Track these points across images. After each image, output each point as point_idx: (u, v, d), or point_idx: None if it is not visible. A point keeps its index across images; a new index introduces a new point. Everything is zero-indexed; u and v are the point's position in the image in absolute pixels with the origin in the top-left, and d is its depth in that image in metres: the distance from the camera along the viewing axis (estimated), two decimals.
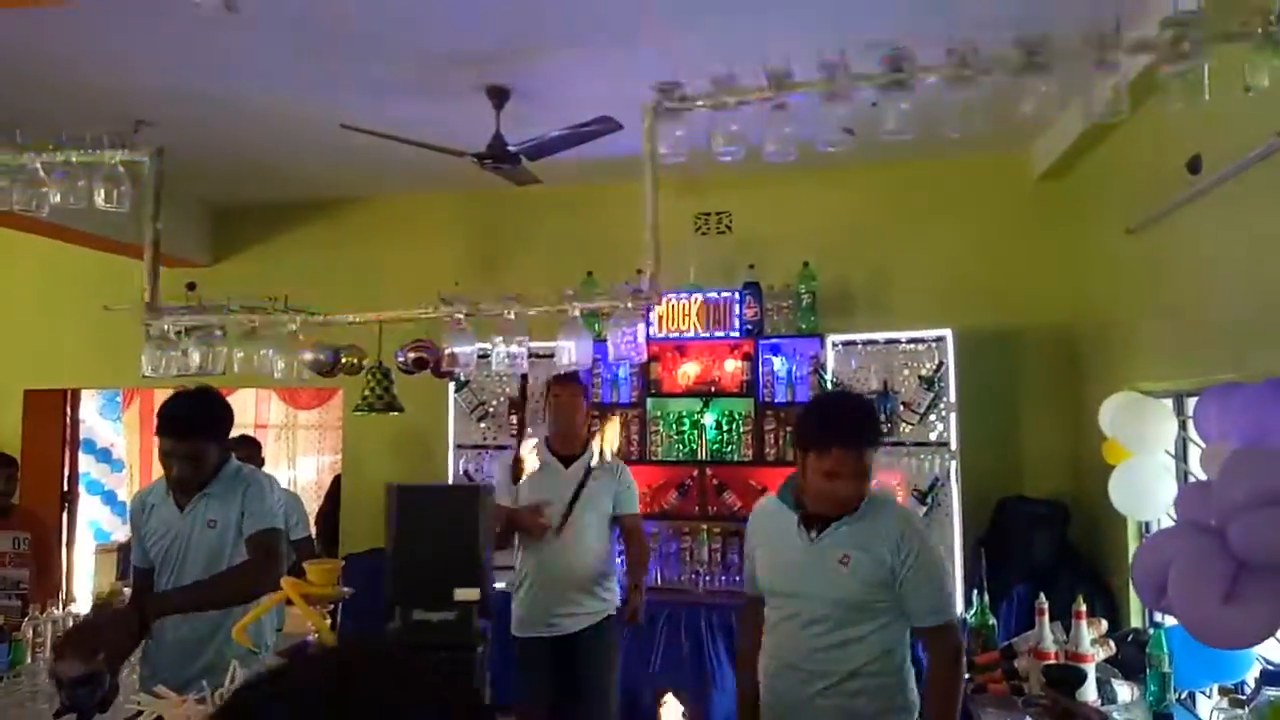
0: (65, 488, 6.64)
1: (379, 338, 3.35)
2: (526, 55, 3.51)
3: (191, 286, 5.76)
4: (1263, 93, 1.78)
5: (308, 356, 2.26)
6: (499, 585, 4.39)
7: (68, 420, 6.52)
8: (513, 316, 1.93)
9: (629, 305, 1.87)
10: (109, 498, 7.96)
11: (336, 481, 6.20)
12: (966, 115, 1.60)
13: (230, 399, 7.80)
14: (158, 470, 8.98)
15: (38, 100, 3.90)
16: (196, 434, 2.44)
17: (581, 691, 3.45)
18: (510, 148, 3.73)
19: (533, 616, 3.45)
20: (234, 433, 2.93)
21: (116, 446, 8.05)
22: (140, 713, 1.69)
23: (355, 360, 2.53)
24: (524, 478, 3.54)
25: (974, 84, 1.59)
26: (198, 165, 4.87)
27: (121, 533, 7.69)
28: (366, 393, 3.61)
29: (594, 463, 3.56)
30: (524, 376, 3.75)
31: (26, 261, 5.88)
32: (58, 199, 2.04)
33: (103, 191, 2.01)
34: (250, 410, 8.56)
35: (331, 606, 1.69)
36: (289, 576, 1.63)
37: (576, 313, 1.94)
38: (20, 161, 1.99)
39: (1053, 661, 2.68)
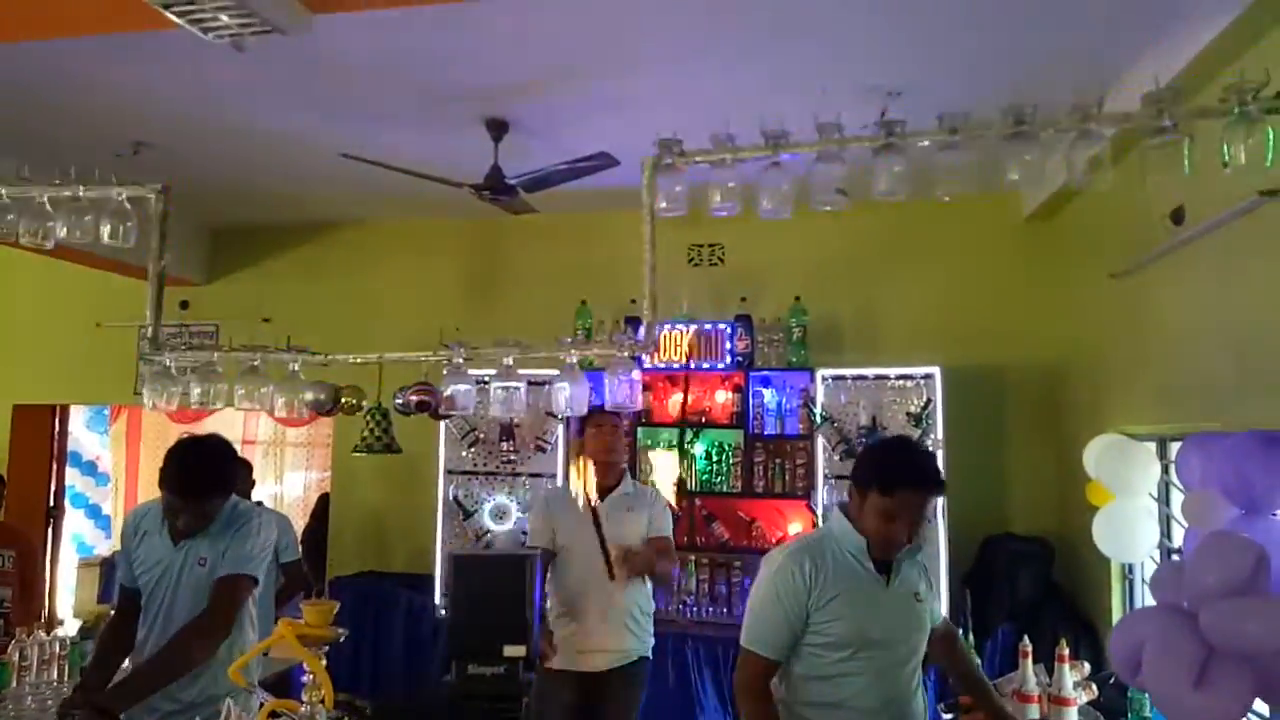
0: (50, 503, 6.59)
1: (379, 379, 3.36)
2: (526, 90, 3.56)
3: (185, 305, 5.81)
4: (1239, 162, 1.85)
5: (309, 396, 2.27)
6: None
7: (55, 436, 6.48)
8: (511, 362, 1.97)
9: (625, 355, 1.91)
10: (93, 511, 7.91)
11: (322, 499, 6.20)
12: (954, 177, 1.65)
13: (217, 415, 7.77)
14: (144, 484, 8.88)
15: (38, 119, 3.92)
16: (205, 495, 2.40)
17: None
18: (508, 180, 3.77)
19: (565, 650, 3.26)
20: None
21: (102, 460, 8.02)
22: None
23: (354, 400, 2.55)
24: (551, 517, 3.41)
25: (962, 149, 1.64)
26: (194, 186, 4.90)
27: (104, 547, 7.64)
28: (365, 434, 3.63)
29: (628, 491, 3.47)
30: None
31: (18, 276, 5.88)
32: (64, 233, 2.06)
33: (109, 226, 2.04)
34: (238, 426, 8.52)
35: (326, 648, 1.71)
36: (282, 612, 1.65)
37: (574, 359, 1.97)
38: (28, 195, 2.02)
39: (1037, 707, 2.71)
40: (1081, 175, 1.64)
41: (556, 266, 5.20)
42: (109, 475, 8.18)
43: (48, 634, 3.13)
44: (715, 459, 4.69)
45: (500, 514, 4.69)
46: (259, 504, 3.31)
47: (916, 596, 2.29)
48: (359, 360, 2.10)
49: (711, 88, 3.47)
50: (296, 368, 2.13)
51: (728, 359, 4.65)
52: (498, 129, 3.83)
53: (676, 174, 1.86)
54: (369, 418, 3.50)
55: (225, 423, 8.10)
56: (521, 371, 2.11)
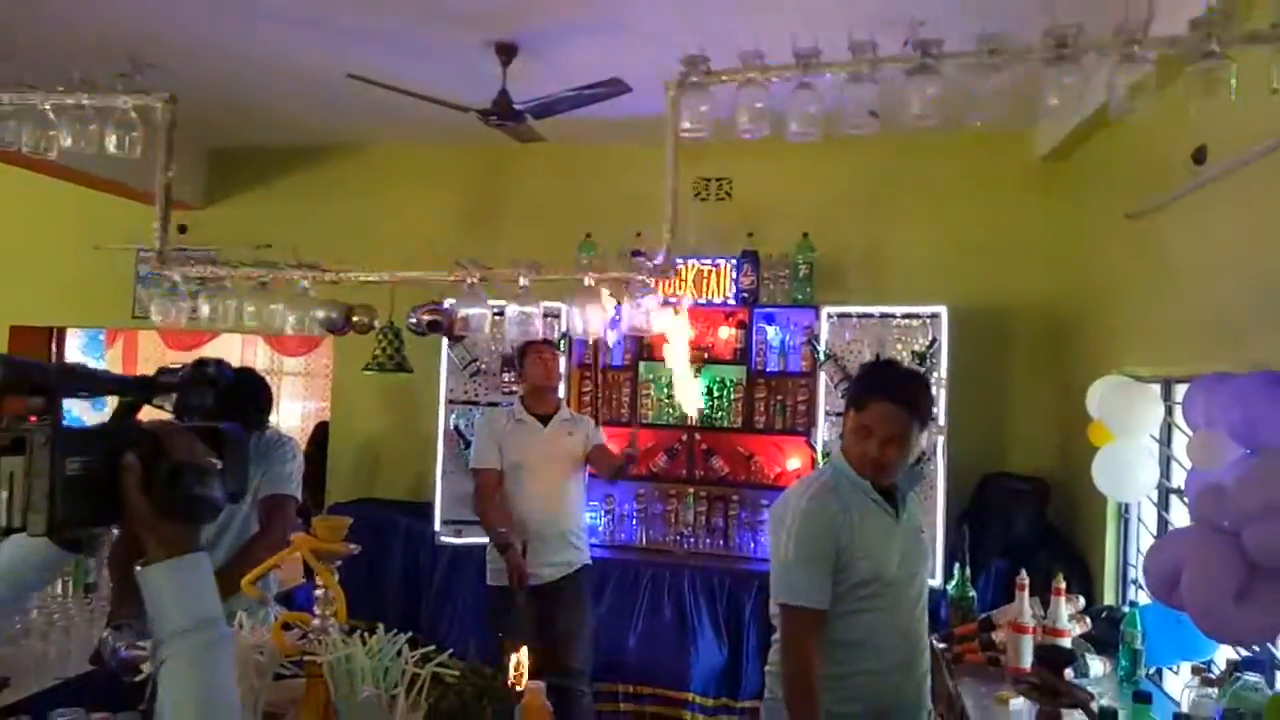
0: None
1: (391, 298, 3.35)
2: (536, 12, 3.46)
3: (183, 229, 5.72)
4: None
5: (320, 314, 2.25)
6: (484, 540, 4.49)
7: (53, 359, 6.45)
8: (527, 283, 1.94)
9: (645, 279, 1.88)
10: None
11: (320, 428, 6.21)
12: (990, 102, 1.60)
13: (214, 342, 7.74)
14: (143, 409, 8.97)
15: (35, 33, 3.81)
16: (254, 430, 2.43)
17: (557, 638, 3.60)
18: (516, 106, 3.69)
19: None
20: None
21: None
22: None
23: (366, 320, 2.53)
24: (501, 439, 3.72)
25: (1000, 72, 1.60)
26: (194, 106, 4.67)
27: None
28: (378, 352, 3.63)
29: (566, 416, 3.84)
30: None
31: (13, 196, 5.78)
32: (68, 142, 2.01)
33: (114, 137, 1.99)
34: (235, 355, 8.50)
35: (339, 562, 1.72)
36: (300, 534, 1.66)
37: (591, 281, 1.95)
38: (30, 102, 1.96)
39: (1031, 637, 2.76)
40: (1122, 102, 1.60)
41: (561, 198, 5.12)
42: (105, 400, 8.17)
43: None
44: (716, 395, 4.70)
45: None
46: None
47: (920, 531, 2.32)
48: (371, 279, 2.08)
49: (726, 16, 3.37)
50: (307, 284, 2.10)
51: (733, 294, 4.63)
52: (507, 53, 3.74)
53: (701, 94, 1.81)
54: (381, 337, 3.50)
55: (222, 349, 8.09)
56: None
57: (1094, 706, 1.74)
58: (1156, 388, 3.22)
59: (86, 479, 1.03)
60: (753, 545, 4.60)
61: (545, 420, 3.77)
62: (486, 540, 4.55)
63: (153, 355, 8.31)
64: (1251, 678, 1.52)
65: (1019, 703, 2.66)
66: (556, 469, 3.71)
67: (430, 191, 5.36)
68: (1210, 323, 2.84)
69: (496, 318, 2.15)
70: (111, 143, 1.96)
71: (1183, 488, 2.86)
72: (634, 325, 1.98)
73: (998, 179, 4.60)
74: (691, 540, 4.67)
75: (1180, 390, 3.15)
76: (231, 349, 8.40)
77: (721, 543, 4.65)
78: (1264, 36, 1.51)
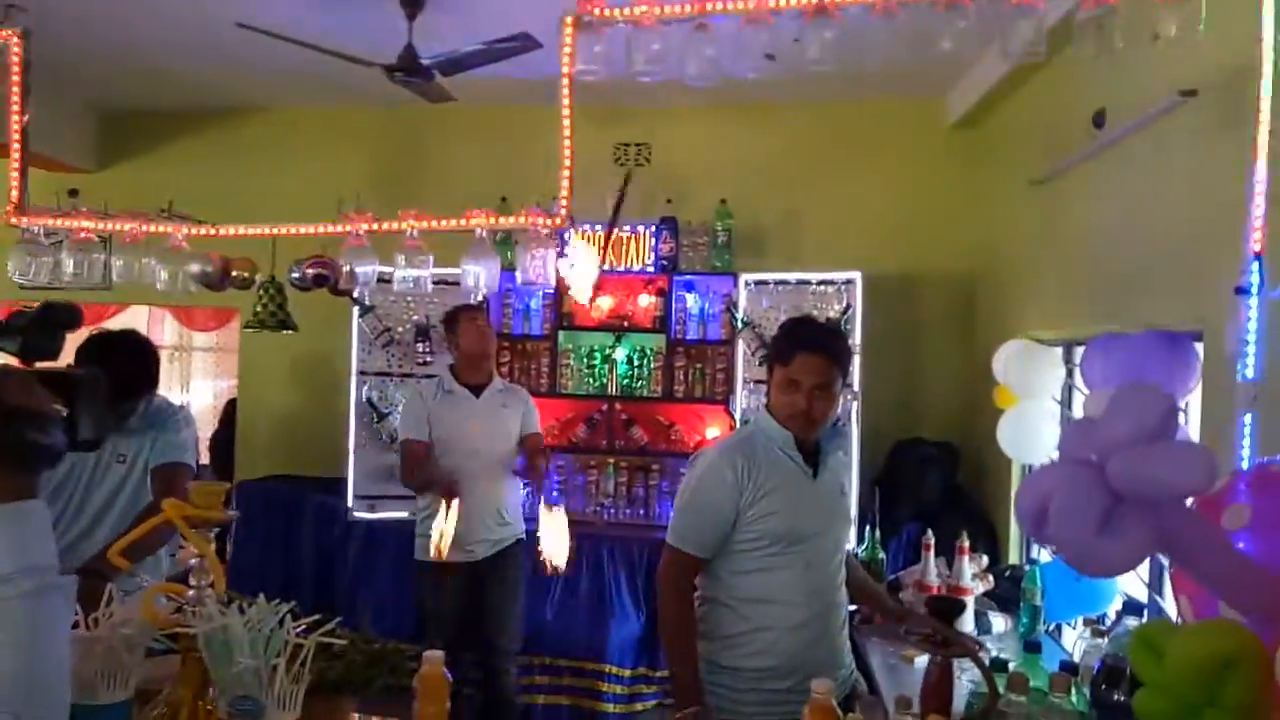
0: None
1: (273, 252, 3.20)
2: None
3: (74, 193, 5.39)
4: (1167, 48, 1.83)
5: (194, 268, 2.11)
6: (402, 514, 4.38)
7: None
8: (415, 235, 1.85)
9: (541, 227, 1.81)
10: None
11: (231, 405, 5.99)
12: (887, 47, 1.59)
13: (118, 317, 7.39)
14: None
15: None
16: (138, 395, 2.34)
17: (486, 616, 3.50)
18: (423, 60, 3.56)
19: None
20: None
21: None
22: None
23: (247, 275, 2.40)
24: (430, 411, 3.53)
25: (895, 16, 1.57)
26: (81, 62, 4.50)
27: None
28: (259, 309, 3.46)
29: (500, 388, 3.65)
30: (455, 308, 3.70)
31: None
32: None
33: None
34: (141, 329, 8.11)
35: (217, 530, 1.63)
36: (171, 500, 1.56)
37: (484, 233, 1.87)
38: None
39: (934, 594, 2.81)
40: (1016, 48, 1.60)
41: (475, 161, 4.99)
42: None
43: None
44: (636, 364, 4.66)
45: None
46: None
47: (842, 490, 2.33)
48: (250, 232, 1.96)
49: None
50: (182, 238, 1.97)
51: (652, 262, 4.58)
52: (412, 5, 3.59)
53: (596, 34, 1.75)
54: (262, 293, 3.34)
55: (127, 324, 7.73)
56: (436, 269, 2.02)
57: (983, 657, 1.76)
58: (1058, 351, 3.30)
59: None
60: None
61: (478, 391, 3.58)
62: (404, 514, 4.46)
63: None
64: (1131, 621, 1.56)
65: (923, 659, 2.70)
66: (488, 442, 3.51)
67: (338, 155, 5.17)
68: (1106, 285, 2.91)
69: (385, 282, 2.05)
70: None
71: None
72: (531, 279, 1.92)
73: (911, 147, 4.64)
74: (612, 511, 4.63)
75: (1080, 353, 3.24)
76: (138, 324, 8.02)
77: (642, 512, 4.63)
78: None
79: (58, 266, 2.01)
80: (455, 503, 3.17)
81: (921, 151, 4.63)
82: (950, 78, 4.33)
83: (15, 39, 1.85)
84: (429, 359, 4.63)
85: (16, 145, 1.90)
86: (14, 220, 1.94)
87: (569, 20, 1.75)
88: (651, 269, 4.59)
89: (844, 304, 4.22)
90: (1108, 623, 2.51)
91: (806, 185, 4.72)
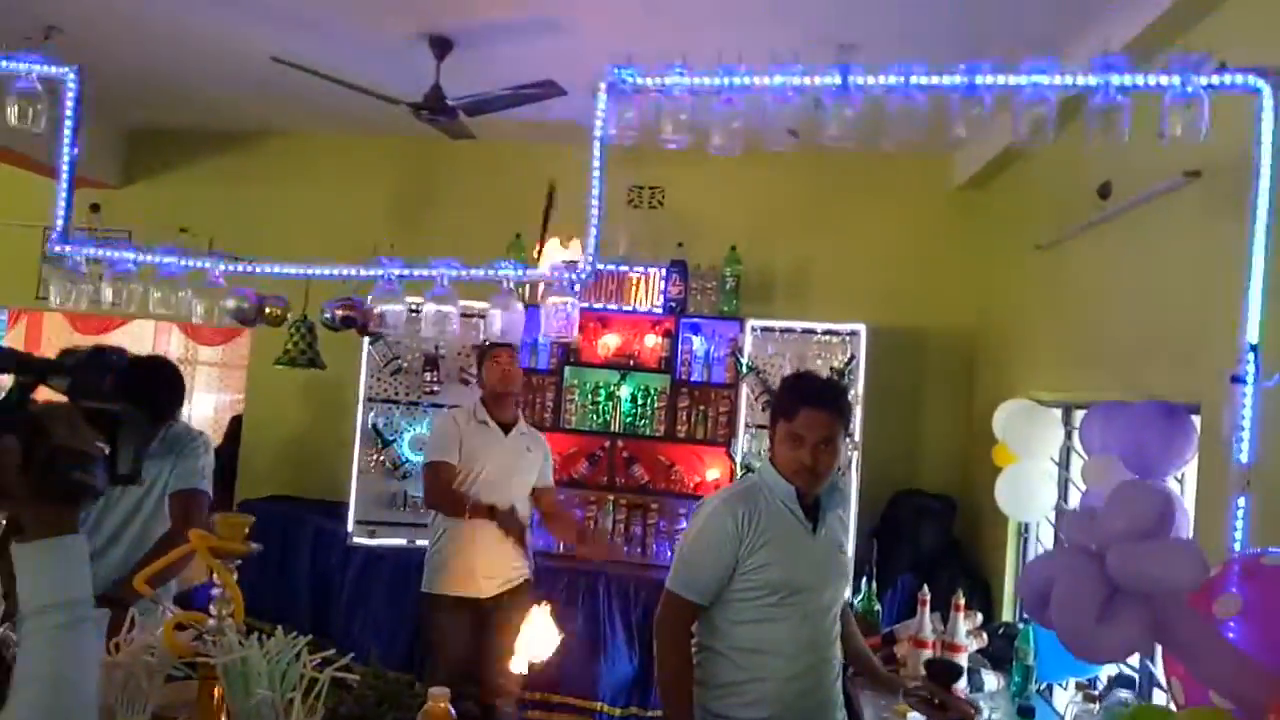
0: None
1: (306, 291, 3.27)
2: (471, 7, 3.43)
3: (95, 208, 5.49)
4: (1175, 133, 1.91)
5: (230, 304, 2.18)
6: (400, 541, 4.41)
7: None
8: (446, 283, 1.92)
9: (566, 282, 1.88)
10: None
11: (235, 422, 6.03)
12: (902, 127, 1.67)
13: (126, 327, 7.43)
14: (47, 394, 8.65)
15: None
16: (163, 420, 2.39)
17: (489, 655, 3.41)
18: (449, 101, 3.65)
19: (456, 577, 3.42)
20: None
21: None
22: None
23: (279, 312, 2.47)
24: (463, 438, 3.50)
25: (913, 99, 1.65)
26: (111, 81, 4.60)
27: None
28: (289, 347, 3.53)
29: (524, 430, 3.64)
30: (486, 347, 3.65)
31: None
32: None
33: (16, 108, 1.89)
34: (148, 342, 8.18)
35: (239, 562, 1.67)
36: (198, 530, 1.60)
37: (511, 284, 1.94)
38: None
39: (930, 652, 2.84)
40: (1025, 131, 1.68)
41: (490, 196, 5.09)
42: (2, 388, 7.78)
43: None
44: (640, 402, 4.71)
45: (420, 444, 4.63)
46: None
47: (840, 548, 2.38)
48: (288, 272, 2.02)
49: (661, 26, 3.42)
50: (219, 274, 2.03)
51: (660, 304, 4.65)
52: (441, 47, 3.70)
53: (628, 100, 1.83)
54: (293, 330, 3.41)
55: (134, 335, 7.78)
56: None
57: None
58: (1058, 412, 3.36)
59: None
60: (669, 554, 4.61)
61: (506, 429, 3.56)
62: (402, 542, 4.50)
63: (59, 338, 7.93)
64: (1123, 693, 1.60)
65: (916, 717, 2.74)
66: (510, 480, 3.51)
67: (356, 183, 5.28)
68: (1107, 352, 2.98)
69: (413, 314, 2.11)
70: (13, 115, 1.87)
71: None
72: (552, 330, 1.98)
73: (918, 204, 4.74)
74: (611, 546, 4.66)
75: (1079, 415, 3.30)
76: (144, 335, 8.07)
77: (639, 550, 4.66)
78: (1158, 88, 1.60)
79: (97, 294, 2.07)
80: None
81: (928, 210, 4.73)
82: (958, 142, 4.44)
83: (71, 75, 1.93)
84: (436, 388, 4.69)
85: (65, 175, 1.98)
86: (57, 249, 2.01)
87: (602, 86, 1.84)
88: (659, 310, 4.66)
89: (848, 355, 4.29)
90: (1099, 687, 2.55)
91: (815, 235, 4.82)
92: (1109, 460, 2.57)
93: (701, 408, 4.63)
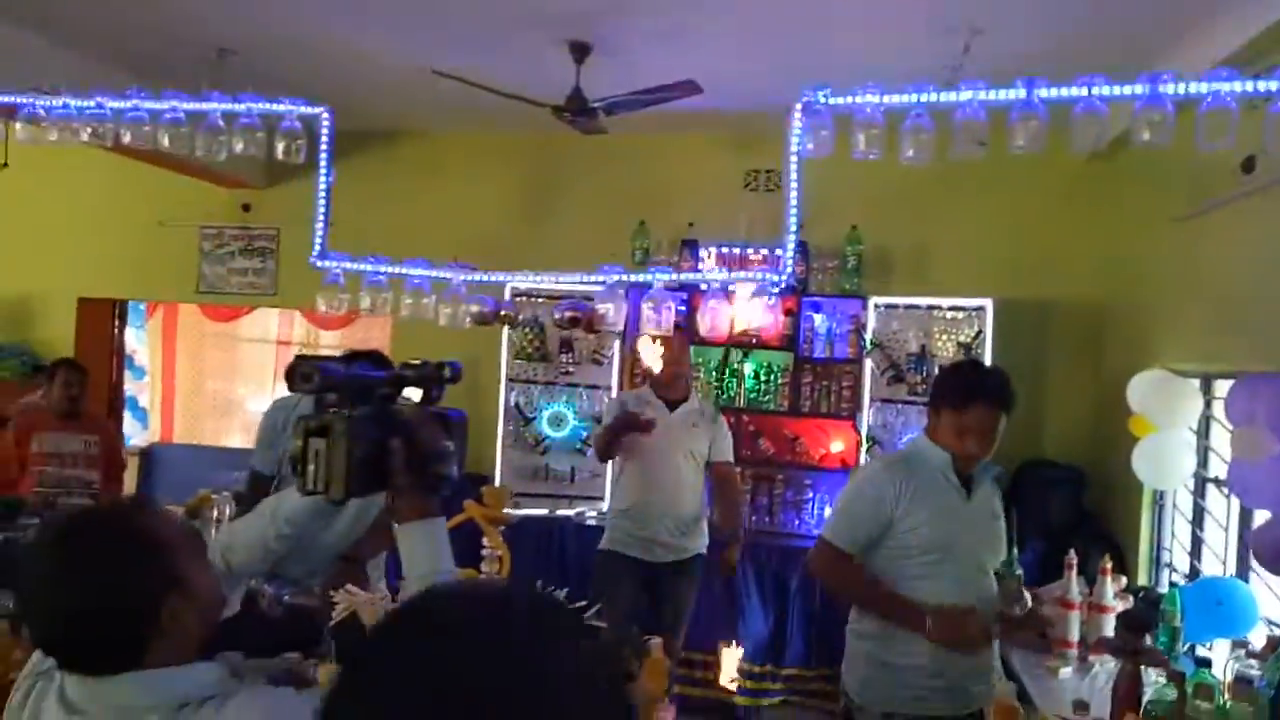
0: (111, 395, 6.82)
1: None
2: (612, 15, 3.62)
3: (247, 208, 5.94)
4: None
5: (474, 309, 2.47)
6: (543, 511, 4.73)
7: (115, 331, 6.68)
8: (662, 286, 2.16)
9: (768, 284, 2.09)
10: (130, 403, 8.16)
11: None
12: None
13: (251, 315, 7.87)
14: (181, 378, 9.09)
15: (115, 20, 3.95)
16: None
17: (655, 621, 3.67)
18: (591, 104, 3.87)
19: (629, 539, 3.74)
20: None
21: (138, 354, 8.24)
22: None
23: (514, 314, 2.77)
24: (633, 408, 3.80)
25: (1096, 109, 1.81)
26: (266, 88, 4.95)
27: (141, 438, 7.90)
28: (524, 345, 3.95)
29: (694, 407, 3.88)
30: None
31: (81, 172, 5.97)
32: (240, 148, 2.22)
33: (282, 144, 2.19)
34: (273, 327, 8.68)
35: (504, 529, 1.94)
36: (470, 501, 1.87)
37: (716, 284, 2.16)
38: (202, 109, 2.16)
39: (1079, 612, 3.00)
40: (1145, 135, 1.83)
41: (613, 187, 5.30)
42: (145, 369, 8.41)
43: None
44: (764, 379, 4.91)
45: (557, 421, 4.93)
46: None
47: (994, 514, 2.57)
48: (522, 284, 2.29)
49: (786, 18, 3.59)
50: (461, 282, 2.32)
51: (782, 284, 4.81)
52: (580, 51, 3.91)
53: (821, 117, 2.02)
54: (527, 329, 3.81)
55: (259, 321, 8.30)
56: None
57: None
58: (1196, 383, 3.43)
59: (366, 458, 1.30)
60: (797, 523, 4.83)
61: (672, 406, 3.83)
62: (545, 512, 4.81)
63: (191, 326, 8.48)
64: None
65: (1067, 670, 2.91)
66: (675, 456, 3.75)
67: (486, 177, 5.55)
68: (1252, 324, 3.04)
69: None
70: (281, 149, 2.17)
71: (1223, 478, 3.09)
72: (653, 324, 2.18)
73: (1043, 178, 4.75)
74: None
75: (1219, 386, 3.37)
76: (269, 322, 8.60)
77: (767, 519, 4.88)
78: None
79: (355, 300, 2.38)
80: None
81: (1054, 183, 4.74)
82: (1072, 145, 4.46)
83: (325, 114, 2.22)
84: (571, 369, 4.97)
85: (322, 202, 2.28)
86: (319, 264, 2.32)
87: (798, 106, 2.03)
88: (781, 290, 4.82)
89: (974, 329, 4.40)
90: (1251, 648, 2.67)
91: (935, 213, 4.89)
92: (1259, 431, 2.67)
93: (825, 383, 4.80)
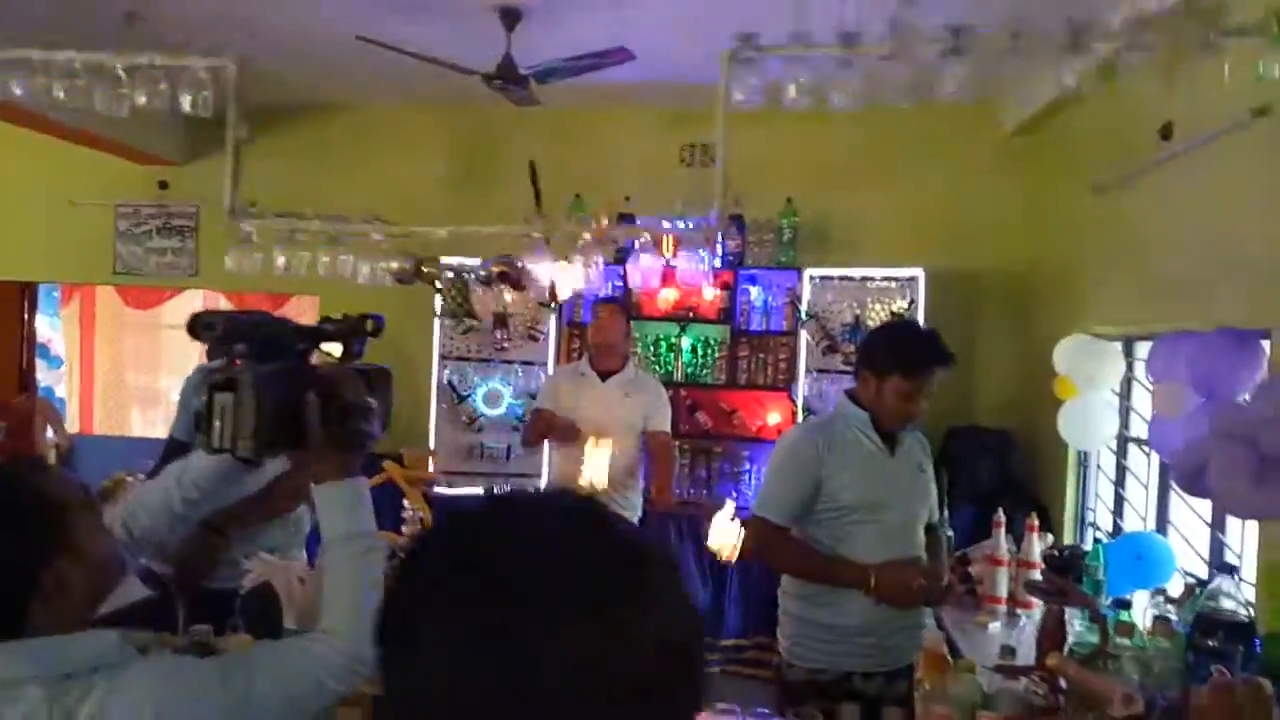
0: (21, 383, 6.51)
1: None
2: None
3: (164, 185, 5.70)
4: (1237, 68, 2.05)
5: (394, 265, 2.38)
6: (479, 490, 4.64)
7: (25, 315, 6.37)
8: (589, 236, 2.12)
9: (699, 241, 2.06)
10: (46, 392, 7.82)
11: None
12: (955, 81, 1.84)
13: (176, 299, 7.58)
14: (102, 368, 8.78)
15: None
16: None
17: None
18: (522, 71, 3.80)
19: None
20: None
21: (53, 342, 7.90)
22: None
23: (436, 271, 2.67)
24: (559, 387, 3.83)
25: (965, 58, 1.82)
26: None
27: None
28: (447, 301, 3.85)
29: (630, 377, 3.86)
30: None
31: None
32: (142, 101, 2.09)
33: (189, 97, 2.08)
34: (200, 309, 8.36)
35: (426, 488, 1.89)
36: (390, 462, 1.81)
37: (648, 237, 2.13)
38: (98, 61, 2.04)
39: (1007, 569, 3.07)
40: (1072, 83, 1.85)
41: (548, 161, 5.20)
42: (62, 358, 8.06)
43: None
44: (701, 353, 4.91)
45: (493, 399, 4.86)
46: None
47: (920, 468, 2.59)
48: (444, 234, 2.22)
49: None
50: (379, 237, 2.24)
51: (718, 256, 4.81)
52: (511, 17, 3.83)
53: (751, 68, 1.99)
54: (450, 286, 3.70)
55: (184, 306, 8.01)
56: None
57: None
58: (1118, 345, 3.53)
59: (277, 413, 1.23)
60: (735, 495, 4.84)
61: (605, 377, 3.80)
62: (480, 491, 4.74)
63: (110, 314, 8.16)
64: (1223, 581, 1.77)
65: (995, 624, 2.98)
66: (600, 425, 3.69)
67: (418, 152, 5.42)
68: (1172, 286, 3.13)
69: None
70: (187, 102, 2.06)
71: (1144, 437, 3.18)
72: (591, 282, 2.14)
73: (969, 151, 4.85)
74: (678, 490, 4.89)
75: (1140, 348, 3.47)
76: (194, 306, 8.30)
77: (705, 492, 4.90)
78: (1243, 31, 1.74)
79: (268, 262, 2.28)
80: (594, 444, 3.40)
81: (980, 156, 4.84)
82: (1010, 86, 4.52)
83: (230, 65, 2.11)
84: (505, 345, 4.90)
85: (232, 160, 2.17)
86: (231, 223, 2.21)
87: (726, 55, 2.00)
88: (718, 264, 4.82)
89: (907, 299, 4.45)
90: (1169, 594, 2.75)
91: (868, 186, 4.94)
92: (1178, 387, 2.75)
93: (761, 355, 4.82)
